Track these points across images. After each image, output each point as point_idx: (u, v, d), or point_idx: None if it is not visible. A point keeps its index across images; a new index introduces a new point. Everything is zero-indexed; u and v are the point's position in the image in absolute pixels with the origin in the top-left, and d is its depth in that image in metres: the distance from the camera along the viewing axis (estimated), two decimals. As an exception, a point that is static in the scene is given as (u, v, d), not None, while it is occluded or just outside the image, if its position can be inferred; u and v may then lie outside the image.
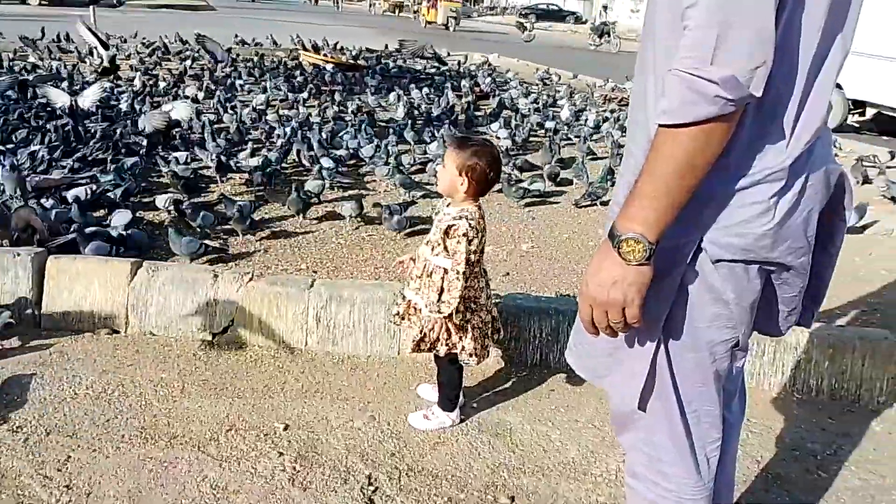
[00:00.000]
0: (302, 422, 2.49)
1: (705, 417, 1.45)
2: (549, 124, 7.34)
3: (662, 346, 1.37)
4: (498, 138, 6.32)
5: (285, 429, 2.44)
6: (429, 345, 2.38)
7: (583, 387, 2.79)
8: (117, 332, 3.03)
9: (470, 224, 2.23)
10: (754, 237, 1.22)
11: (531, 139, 6.72)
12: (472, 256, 2.28)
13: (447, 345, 2.36)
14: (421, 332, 2.36)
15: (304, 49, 12.86)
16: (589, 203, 4.88)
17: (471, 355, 2.37)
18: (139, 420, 2.44)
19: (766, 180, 1.20)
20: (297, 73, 10.11)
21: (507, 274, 3.63)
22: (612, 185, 4.90)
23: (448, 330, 2.34)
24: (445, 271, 2.27)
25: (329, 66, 10.80)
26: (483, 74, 11.21)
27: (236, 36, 13.70)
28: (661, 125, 1.12)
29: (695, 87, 1.06)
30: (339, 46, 13.43)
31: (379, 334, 2.95)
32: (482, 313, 2.39)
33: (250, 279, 3.01)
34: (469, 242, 2.22)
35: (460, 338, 2.35)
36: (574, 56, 14.10)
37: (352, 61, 11.84)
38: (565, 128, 7.41)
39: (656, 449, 1.48)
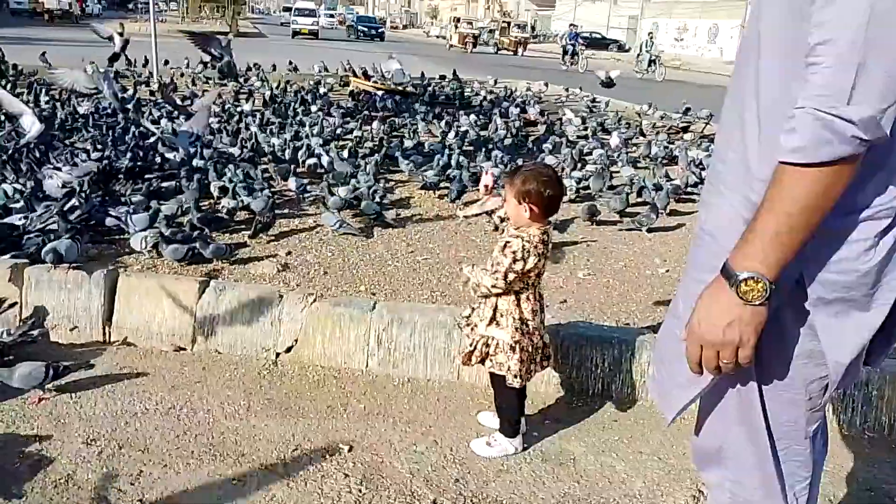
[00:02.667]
0: (366, 443, 2.51)
1: (795, 457, 1.42)
2: (598, 152, 7.31)
3: (754, 383, 1.35)
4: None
5: (350, 450, 2.46)
6: (479, 358, 2.40)
7: (646, 418, 2.76)
8: (184, 349, 3.10)
9: (524, 245, 2.25)
10: (857, 275, 1.20)
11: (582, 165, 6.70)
12: (529, 275, 2.29)
13: (493, 361, 2.37)
14: (472, 344, 2.39)
15: (355, 75, 13.10)
16: (633, 228, 4.86)
17: (515, 376, 2.36)
18: (208, 437, 2.48)
19: (873, 217, 1.18)
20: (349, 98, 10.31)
21: (565, 301, 3.61)
22: (657, 216, 4.87)
23: (498, 347, 2.35)
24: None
25: (380, 93, 10.98)
26: (530, 101, 11.25)
27: (290, 63, 14.03)
28: (788, 163, 1.10)
29: (832, 127, 1.05)
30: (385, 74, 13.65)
31: (439, 358, 2.96)
32: (534, 337, 2.39)
33: (314, 300, 3.05)
34: (515, 261, 2.23)
35: (508, 357, 2.35)
36: (621, 83, 14.04)
37: (400, 88, 12.01)
38: (615, 154, 7.38)
39: (744, 488, 1.45)
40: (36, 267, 3.19)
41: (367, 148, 6.95)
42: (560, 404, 2.84)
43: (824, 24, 1.05)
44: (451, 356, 2.94)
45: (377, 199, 4.94)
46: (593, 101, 11.92)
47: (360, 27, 42.08)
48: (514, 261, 2.23)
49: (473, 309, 2.42)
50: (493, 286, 2.26)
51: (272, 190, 5.11)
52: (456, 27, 38.00)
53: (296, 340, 3.04)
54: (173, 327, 3.10)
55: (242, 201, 4.67)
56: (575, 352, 2.87)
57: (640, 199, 5.50)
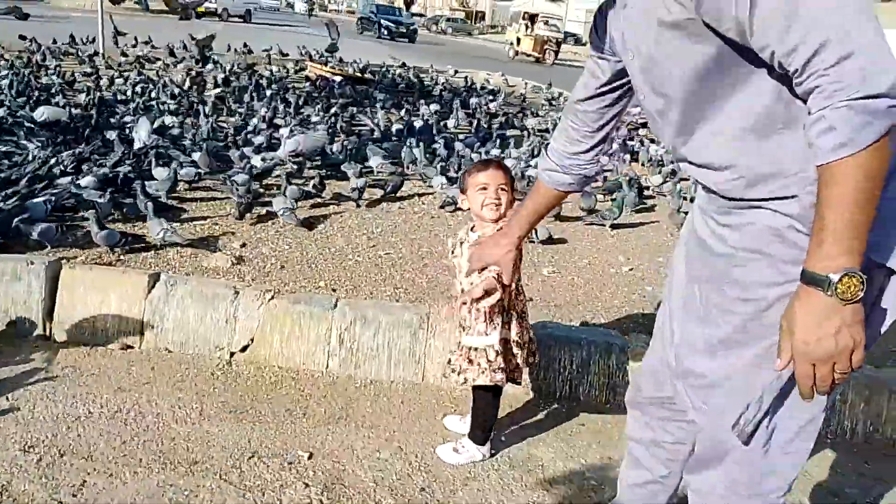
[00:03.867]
0: (326, 450, 2.39)
1: (801, 455, 1.42)
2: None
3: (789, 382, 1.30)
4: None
5: (309, 457, 2.34)
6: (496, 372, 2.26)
7: (613, 423, 2.71)
8: (131, 347, 2.92)
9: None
10: None
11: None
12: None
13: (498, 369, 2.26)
14: (497, 356, 2.24)
15: (311, 60, 12.82)
16: (595, 223, 4.83)
17: (520, 374, 2.32)
18: (157, 443, 2.33)
19: None
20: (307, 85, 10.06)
21: (531, 299, 3.54)
22: (620, 210, 4.84)
23: (506, 350, 2.26)
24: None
25: (337, 79, 10.75)
26: (487, 92, 11.18)
27: (245, 45, 13.65)
28: (836, 161, 1.09)
29: (867, 109, 1.05)
30: (342, 59, 13.40)
31: (403, 359, 2.86)
32: (530, 331, 2.36)
33: (272, 296, 2.91)
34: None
35: (518, 356, 2.29)
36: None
37: (359, 74, 11.79)
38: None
39: (739, 490, 1.45)
40: (-33, 257, 2.96)
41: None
42: (527, 407, 2.77)
43: (797, 47, 1.09)
44: (415, 357, 2.84)
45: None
46: (559, 95, 11.92)
47: (382, 22, 31.38)
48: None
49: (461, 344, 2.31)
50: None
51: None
52: (529, 28, 27.78)
53: (252, 339, 2.90)
54: (120, 323, 2.92)
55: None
56: (543, 353, 2.80)
57: (610, 198, 5.47)
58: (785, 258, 1.27)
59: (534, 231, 4.34)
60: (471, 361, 2.26)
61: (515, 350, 2.28)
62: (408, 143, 6.24)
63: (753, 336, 1.34)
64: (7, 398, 2.48)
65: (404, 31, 30.82)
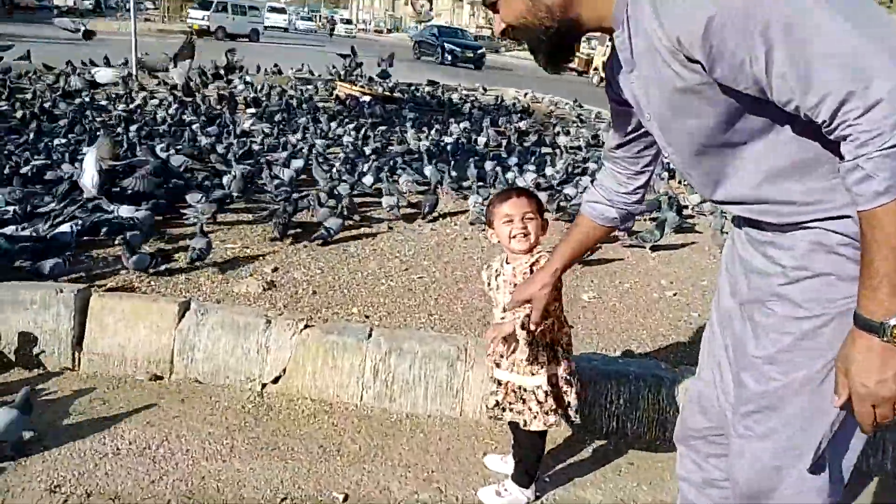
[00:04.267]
0: (362, 492, 2.27)
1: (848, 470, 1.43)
2: (593, 165, 7.13)
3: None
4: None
5: (344, 500, 2.22)
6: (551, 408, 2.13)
7: (664, 461, 2.55)
8: (161, 378, 2.83)
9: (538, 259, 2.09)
10: None
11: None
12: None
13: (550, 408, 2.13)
14: (546, 397, 2.11)
15: (341, 80, 12.85)
16: (635, 244, 4.66)
17: (576, 412, 2.17)
18: (187, 483, 2.22)
19: None
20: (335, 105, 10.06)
21: (571, 327, 3.39)
22: (662, 232, 4.67)
23: (556, 390, 2.12)
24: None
25: (366, 98, 10.73)
26: (518, 110, 11.08)
27: (275, 65, 13.74)
28: (879, 206, 1.09)
29: None
30: (371, 79, 13.42)
31: (441, 392, 2.73)
32: (574, 364, 2.21)
33: (305, 326, 2.81)
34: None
35: (568, 392, 2.15)
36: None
37: (388, 94, 11.78)
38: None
39: None
40: (-1, 285, 2.91)
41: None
42: (572, 445, 2.62)
43: (821, 101, 1.09)
44: (453, 390, 2.72)
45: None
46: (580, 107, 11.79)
47: (446, 46, 27.41)
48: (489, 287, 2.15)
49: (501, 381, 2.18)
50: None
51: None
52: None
53: (284, 370, 2.79)
54: (149, 353, 2.84)
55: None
56: (588, 387, 2.65)
57: (649, 217, 5.30)
58: (842, 275, 1.27)
59: None
60: (524, 402, 2.12)
61: (565, 387, 2.14)
62: (434, 164, 6.16)
63: (808, 355, 1.32)
64: (34, 432, 2.40)
65: (471, 55, 27.07)
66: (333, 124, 8.13)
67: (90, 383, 2.76)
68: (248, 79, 11.44)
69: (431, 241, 4.65)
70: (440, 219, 5.13)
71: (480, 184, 5.70)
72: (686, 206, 5.63)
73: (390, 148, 7.31)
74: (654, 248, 4.64)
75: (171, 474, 2.26)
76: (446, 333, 3.07)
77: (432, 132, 8.32)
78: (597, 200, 1.81)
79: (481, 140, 8.09)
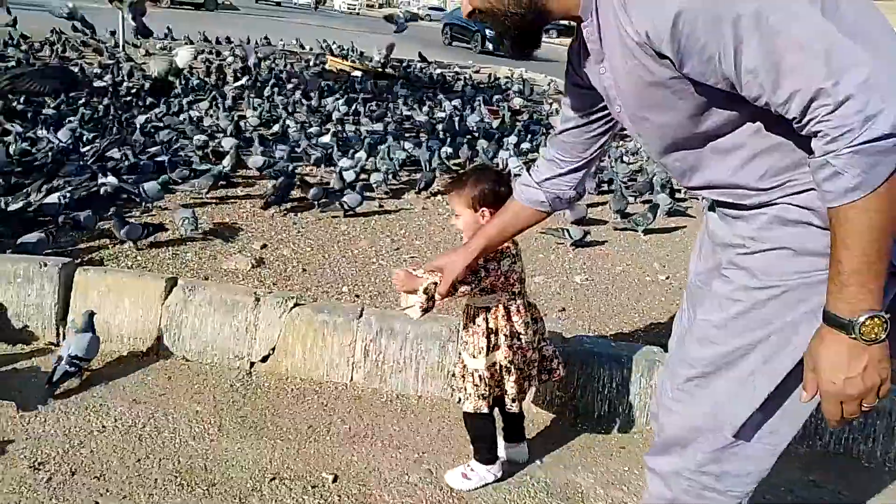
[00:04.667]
0: (352, 472, 2.24)
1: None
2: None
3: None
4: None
5: (334, 480, 2.20)
6: (498, 394, 2.14)
7: (656, 445, 2.54)
8: (147, 355, 2.79)
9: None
10: None
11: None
12: (510, 281, 2.05)
13: (498, 395, 2.14)
14: (481, 382, 2.10)
15: (332, 54, 12.68)
16: (628, 227, 4.65)
17: (513, 400, 2.14)
18: (173, 462, 2.19)
19: None
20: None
21: (563, 310, 3.38)
22: (655, 215, 4.63)
23: (493, 377, 2.10)
24: (487, 310, 2.07)
25: (357, 73, 10.60)
26: (514, 89, 10.98)
27: (265, 37, 13.53)
28: (848, 203, 1.08)
29: (873, 150, 1.03)
30: (363, 54, 13.24)
31: (432, 372, 2.71)
32: (529, 352, 2.14)
33: (295, 305, 2.77)
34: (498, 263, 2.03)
35: (505, 381, 2.12)
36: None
37: (380, 69, 11.63)
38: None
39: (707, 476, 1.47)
40: (-20, 258, 2.85)
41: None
42: (562, 428, 2.60)
43: (790, 97, 1.08)
44: (445, 371, 2.69)
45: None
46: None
47: (487, 32, 21.80)
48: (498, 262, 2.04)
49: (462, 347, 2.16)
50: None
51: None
52: None
53: (273, 349, 2.75)
54: (135, 330, 2.79)
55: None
56: (581, 370, 2.64)
57: (641, 200, 5.27)
58: (799, 249, 1.27)
59: (567, 232, 4.19)
60: (464, 379, 2.13)
61: (504, 375, 2.11)
62: (426, 142, 6.09)
63: (751, 325, 1.33)
64: (17, 409, 2.36)
65: None
66: (329, 99, 8.02)
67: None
68: (237, 51, 11.24)
69: (423, 220, 4.60)
70: (431, 198, 5.07)
71: (474, 163, 5.64)
72: (679, 190, 5.60)
73: (384, 121, 7.23)
74: (646, 232, 4.62)
75: (158, 453, 2.23)
76: (437, 314, 3.03)
77: (424, 109, 8.23)
78: (527, 184, 1.79)
79: (473, 119, 8.00)
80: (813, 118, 1.07)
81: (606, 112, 1.58)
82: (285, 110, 7.26)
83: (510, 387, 2.11)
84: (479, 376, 2.09)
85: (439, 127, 7.10)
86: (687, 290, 1.68)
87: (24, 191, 3.90)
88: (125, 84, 7.90)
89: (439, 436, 2.49)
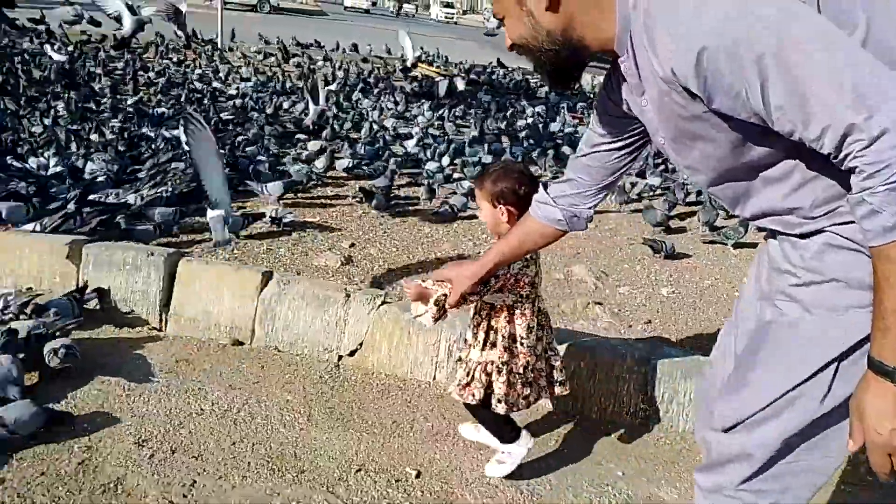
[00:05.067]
0: (434, 470, 2.28)
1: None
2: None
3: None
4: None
5: (417, 476, 2.24)
6: (482, 388, 2.12)
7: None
8: (242, 343, 2.92)
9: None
10: None
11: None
12: (520, 284, 2.05)
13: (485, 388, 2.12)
14: (469, 373, 2.13)
15: (420, 60, 12.87)
16: (717, 241, 4.52)
17: (499, 401, 2.11)
18: (266, 448, 2.29)
19: None
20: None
21: (649, 322, 3.33)
22: (746, 229, 4.49)
23: (490, 371, 2.11)
24: (492, 307, 2.09)
25: (442, 79, 10.72)
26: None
27: (353, 44, 13.88)
28: (888, 243, 1.04)
29: None
30: (448, 60, 13.38)
31: (514, 377, 2.72)
32: (531, 358, 2.13)
33: (382, 302, 2.84)
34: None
35: (494, 379, 2.11)
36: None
37: (463, 76, 11.73)
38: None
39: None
40: (95, 245, 3.05)
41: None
42: (644, 442, 2.57)
43: (823, 133, 1.05)
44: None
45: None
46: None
47: None
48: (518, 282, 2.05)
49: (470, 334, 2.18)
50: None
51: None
52: None
53: (360, 344, 2.83)
54: (232, 319, 2.93)
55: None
56: (666, 384, 2.60)
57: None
58: (851, 282, 1.22)
59: (664, 244, 4.12)
60: (458, 363, 2.18)
61: (496, 374, 2.10)
62: (511, 151, 6.10)
63: (807, 356, 1.27)
64: (124, 388, 2.51)
65: None
66: (414, 105, 8.17)
67: (176, 344, 2.87)
68: (327, 55, 11.58)
69: (506, 225, 4.62)
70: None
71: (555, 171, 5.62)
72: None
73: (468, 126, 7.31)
74: (736, 246, 4.49)
75: (251, 437, 2.33)
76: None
77: (507, 114, 8.25)
78: (545, 201, 1.76)
79: (555, 126, 7.97)
80: (848, 154, 1.04)
81: (633, 140, 1.58)
82: (371, 115, 7.43)
83: (498, 387, 2.10)
84: (470, 368, 2.12)
85: (522, 133, 7.12)
86: (736, 307, 1.60)
87: (135, 185, 4.15)
88: (221, 87, 8.27)
89: (521, 440, 2.50)
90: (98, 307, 2.95)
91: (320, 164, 5.10)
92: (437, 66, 12.37)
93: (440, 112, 7.83)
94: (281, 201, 4.34)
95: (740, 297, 1.60)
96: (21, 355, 2.42)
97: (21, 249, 3.02)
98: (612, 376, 2.63)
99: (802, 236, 1.29)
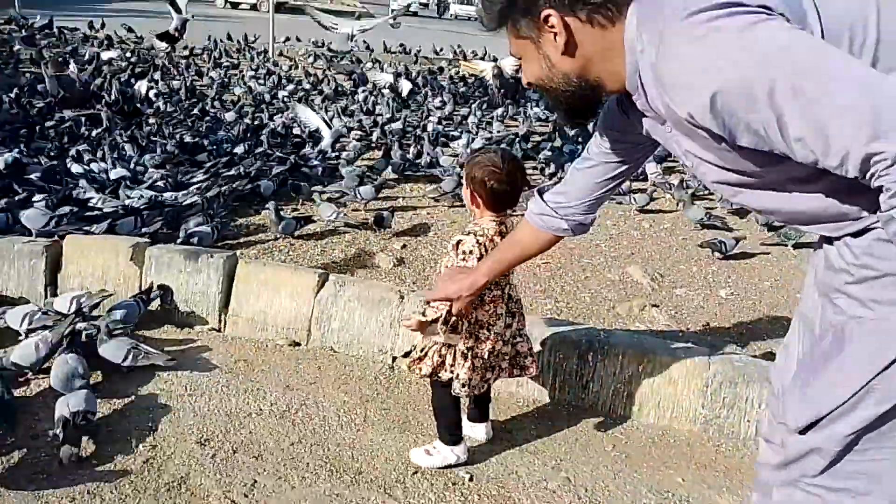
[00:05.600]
0: (490, 473, 2.27)
1: None
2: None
3: None
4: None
5: (471, 479, 2.23)
6: (431, 368, 2.16)
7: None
8: (299, 344, 2.96)
9: (478, 240, 2.08)
10: None
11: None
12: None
13: (436, 366, 2.15)
14: (424, 350, 2.18)
15: (465, 59, 12.87)
16: (778, 242, 4.38)
17: (463, 385, 2.13)
18: (323, 448, 2.31)
19: None
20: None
21: (707, 324, 3.26)
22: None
23: (444, 354, 2.14)
24: None
25: (491, 78, 10.67)
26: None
27: (401, 44, 13.95)
28: None
29: None
30: (497, 59, 13.32)
31: (569, 381, 2.69)
32: (497, 344, 2.14)
33: (436, 305, 2.84)
34: (466, 259, 2.07)
35: (459, 364, 2.12)
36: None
37: (512, 74, 11.66)
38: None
39: None
40: (157, 247, 3.13)
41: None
42: (707, 448, 2.51)
43: (844, 160, 1.05)
44: (582, 380, 2.67)
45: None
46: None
47: None
48: (465, 259, 2.07)
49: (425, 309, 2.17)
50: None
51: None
52: None
53: (414, 346, 2.83)
54: (289, 320, 2.97)
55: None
56: (727, 389, 2.53)
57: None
58: None
59: (724, 244, 4.02)
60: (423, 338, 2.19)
61: (460, 360, 2.12)
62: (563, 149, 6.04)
63: (869, 353, 1.23)
64: (186, 388, 2.58)
65: None
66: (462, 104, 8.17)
67: (235, 344, 2.93)
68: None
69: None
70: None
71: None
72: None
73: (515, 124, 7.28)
74: (797, 246, 4.36)
75: (309, 438, 2.36)
76: (575, 322, 3.01)
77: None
78: (544, 213, 1.80)
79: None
80: (873, 173, 1.04)
81: (636, 155, 1.63)
82: (420, 116, 7.46)
83: (462, 372, 2.12)
84: (426, 345, 2.16)
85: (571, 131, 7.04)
86: (799, 308, 1.59)
87: (191, 189, 4.25)
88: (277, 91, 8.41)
89: (577, 444, 2.47)
90: (160, 307, 3.02)
91: (390, 170, 5.21)
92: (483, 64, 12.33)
93: (489, 111, 7.81)
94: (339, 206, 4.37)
95: (802, 297, 1.58)
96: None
97: (87, 251, 3.12)
98: (670, 380, 2.58)
99: (854, 235, 1.27)
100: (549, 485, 2.24)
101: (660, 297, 3.56)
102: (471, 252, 2.07)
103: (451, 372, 2.14)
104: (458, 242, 2.11)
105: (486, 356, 2.15)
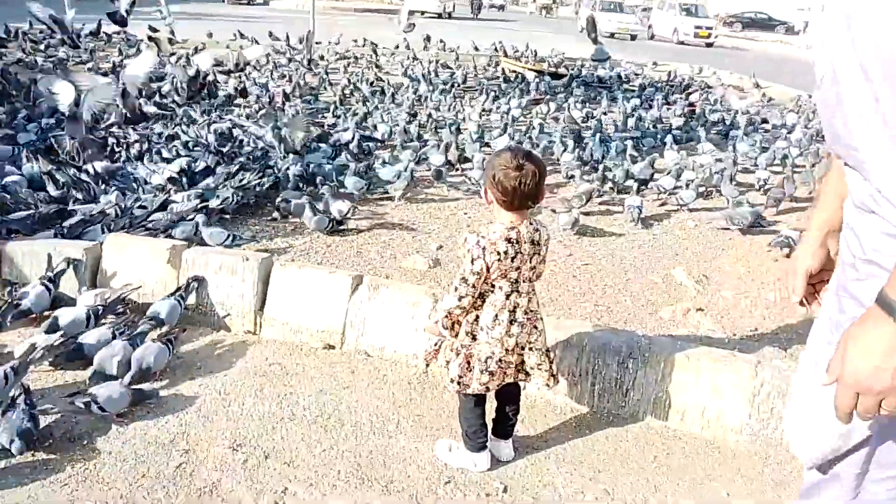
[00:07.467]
0: (525, 484, 2.21)
1: None
2: (781, 144, 6.54)
3: None
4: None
5: (505, 490, 2.17)
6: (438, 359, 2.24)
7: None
8: (333, 347, 2.93)
9: (479, 242, 2.01)
10: None
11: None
12: (472, 278, 2.01)
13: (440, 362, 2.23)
14: (437, 343, 2.24)
15: (506, 56, 12.76)
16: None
17: (452, 381, 2.14)
18: (355, 455, 2.28)
19: None
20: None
21: (755, 330, 3.13)
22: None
23: (451, 349, 2.16)
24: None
25: (531, 75, 10.56)
26: (696, 87, 10.41)
27: (441, 41, 13.91)
28: None
29: None
30: (537, 54, 13.18)
31: (609, 388, 2.60)
32: (495, 348, 2.08)
33: (471, 309, 2.78)
34: (472, 261, 2.01)
35: (451, 359, 2.13)
36: (790, 69, 12.79)
37: (553, 69, 11.52)
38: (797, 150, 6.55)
39: None
40: (192, 249, 3.14)
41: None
42: (752, 460, 2.40)
43: None
44: (622, 388, 2.58)
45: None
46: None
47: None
48: (472, 261, 2.01)
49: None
50: (460, 299, 2.04)
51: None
52: None
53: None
54: (323, 323, 2.95)
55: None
56: (775, 398, 2.41)
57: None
58: None
59: (791, 239, 3.86)
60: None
61: (452, 355, 2.15)
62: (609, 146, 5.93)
63: None
64: (219, 391, 2.57)
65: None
66: (502, 101, 8.09)
67: (269, 347, 2.91)
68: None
69: (596, 224, 4.47)
70: (604, 207, 4.92)
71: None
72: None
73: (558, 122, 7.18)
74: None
75: (341, 445, 2.33)
76: (616, 326, 2.92)
77: (601, 108, 8.04)
78: None
79: (651, 117, 7.68)
80: None
81: None
82: (458, 113, 7.40)
83: (453, 367, 2.13)
84: (439, 341, 2.21)
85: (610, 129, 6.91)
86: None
87: (221, 189, 4.28)
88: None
89: (617, 455, 2.39)
90: (195, 305, 3.03)
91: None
92: (526, 61, 12.20)
93: (528, 107, 7.72)
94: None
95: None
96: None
97: (126, 252, 3.15)
98: (715, 389, 2.47)
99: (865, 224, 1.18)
100: (587, 497, 2.16)
101: (705, 300, 3.44)
102: (469, 251, 2.02)
103: (447, 366, 2.17)
104: (465, 240, 2.05)
105: (482, 358, 2.11)
